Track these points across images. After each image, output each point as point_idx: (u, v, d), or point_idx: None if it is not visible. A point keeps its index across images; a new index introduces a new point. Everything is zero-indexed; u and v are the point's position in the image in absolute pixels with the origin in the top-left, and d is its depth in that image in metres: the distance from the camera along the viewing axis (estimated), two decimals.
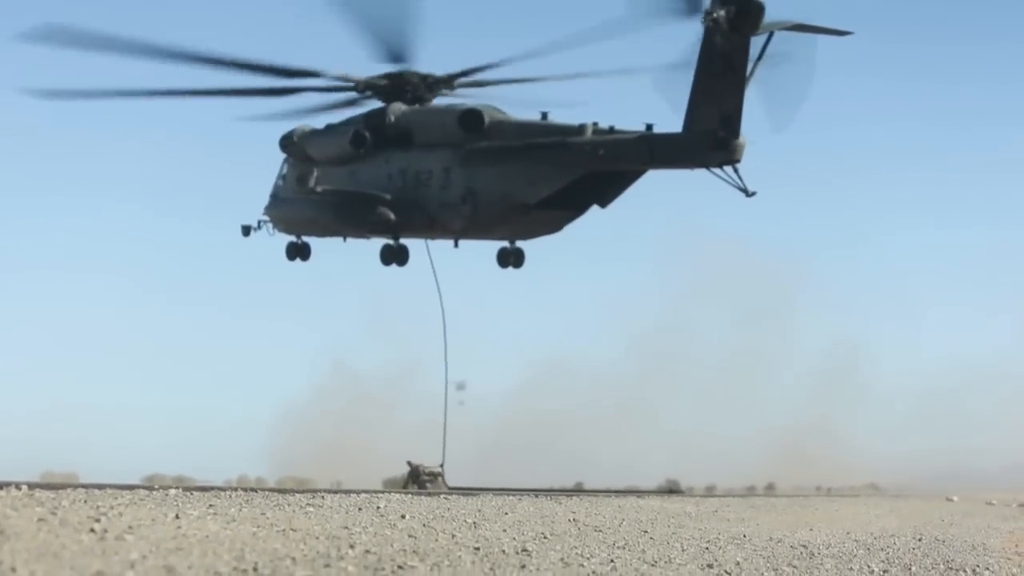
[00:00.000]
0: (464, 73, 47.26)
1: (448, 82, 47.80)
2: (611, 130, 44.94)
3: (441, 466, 55.64)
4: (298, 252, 50.65)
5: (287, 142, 50.02)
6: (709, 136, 42.12)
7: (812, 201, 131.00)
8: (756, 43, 41.85)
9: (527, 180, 45.74)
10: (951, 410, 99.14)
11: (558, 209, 46.10)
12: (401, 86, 47.84)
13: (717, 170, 43.09)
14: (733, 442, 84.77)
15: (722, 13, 40.50)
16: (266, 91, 46.98)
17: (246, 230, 50.83)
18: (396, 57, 46.47)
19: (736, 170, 42.90)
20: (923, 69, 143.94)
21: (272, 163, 51.10)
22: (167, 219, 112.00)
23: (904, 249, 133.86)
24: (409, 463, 57.52)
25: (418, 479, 60.91)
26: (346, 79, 47.31)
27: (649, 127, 44.00)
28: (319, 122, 49.44)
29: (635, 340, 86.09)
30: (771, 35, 41.85)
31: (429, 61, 47.86)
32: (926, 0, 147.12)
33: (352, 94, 48.17)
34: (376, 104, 48.50)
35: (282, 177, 50.52)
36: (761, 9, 40.65)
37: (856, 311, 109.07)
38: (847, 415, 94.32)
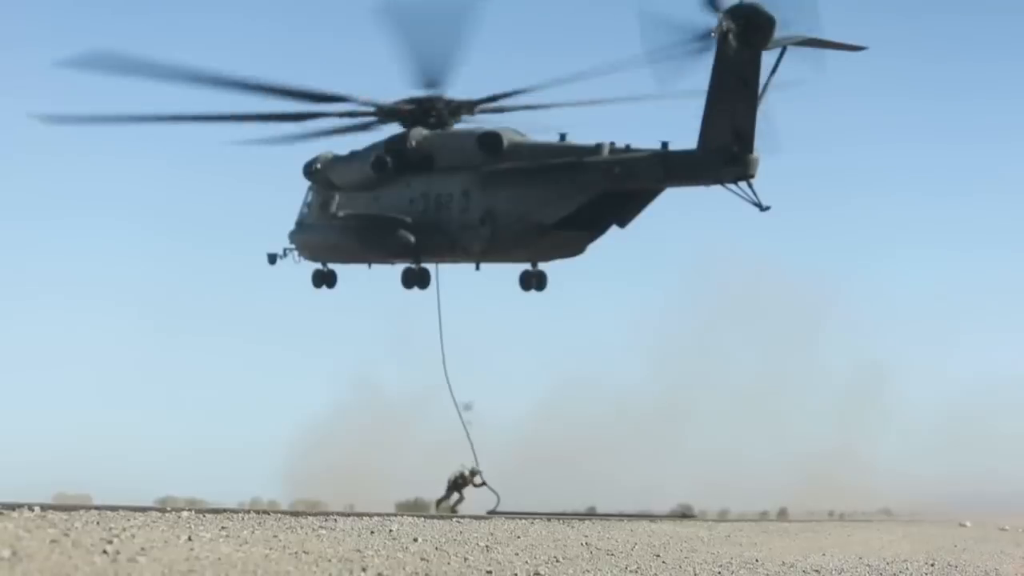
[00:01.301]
0: (488, 100, 47.34)
1: (470, 108, 47.89)
2: (627, 149, 44.99)
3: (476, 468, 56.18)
4: (324, 280, 50.79)
5: (310, 169, 50.25)
6: (723, 152, 42.13)
7: (838, 221, 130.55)
8: (770, 59, 41.88)
9: (544, 201, 45.73)
10: (975, 434, 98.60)
11: (576, 230, 46.08)
12: (426, 111, 47.96)
13: (732, 186, 43.07)
14: (750, 466, 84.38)
15: (732, 27, 40.53)
16: (288, 116, 47.15)
17: (272, 258, 50.97)
18: (431, 83, 46.59)
19: (751, 185, 42.86)
20: (953, 87, 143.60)
21: (298, 189, 51.38)
22: (181, 242, 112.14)
23: (931, 271, 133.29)
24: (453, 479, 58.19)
25: (463, 485, 61.49)
26: (372, 104, 47.47)
27: (664, 145, 44.03)
28: (340, 147, 49.68)
29: (655, 362, 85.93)
30: (784, 50, 41.83)
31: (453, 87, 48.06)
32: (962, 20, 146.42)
33: (373, 119, 48.32)
34: (397, 129, 48.67)
35: (307, 204, 50.72)
36: (772, 22, 40.60)
37: (882, 333, 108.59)
38: (868, 440, 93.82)
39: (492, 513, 48.59)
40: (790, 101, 42.67)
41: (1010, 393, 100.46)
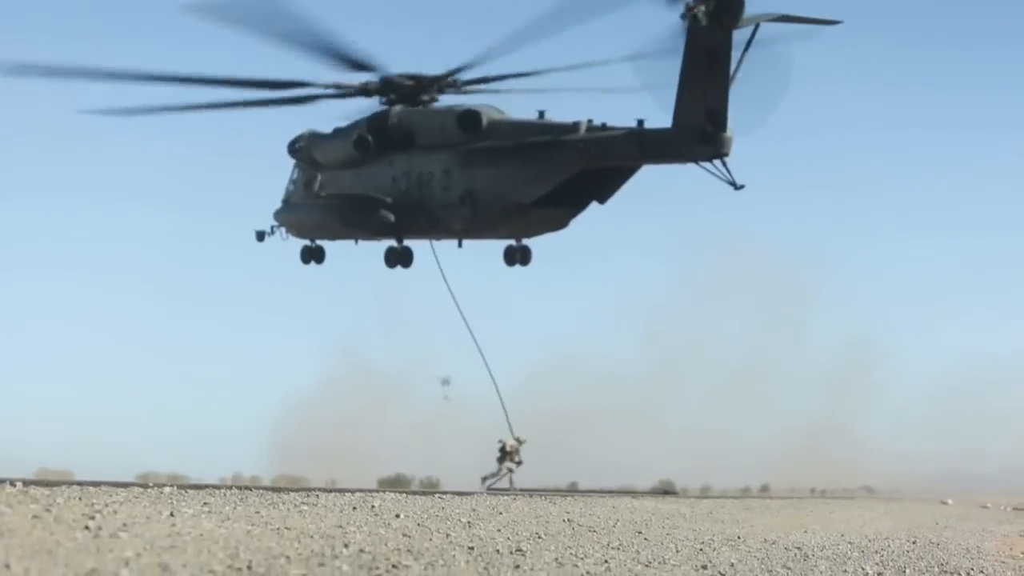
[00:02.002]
0: (454, 72, 47.13)
1: (441, 81, 47.69)
2: (603, 127, 44.99)
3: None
4: (313, 256, 50.78)
5: (294, 147, 50.21)
6: (697, 131, 42.17)
7: (833, 202, 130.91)
8: (743, 37, 41.80)
9: (523, 179, 45.74)
10: (959, 414, 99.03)
11: (556, 207, 46.11)
12: (397, 89, 47.87)
13: (707, 164, 43.10)
14: (733, 443, 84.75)
15: (702, 7, 40.46)
16: (282, 100, 47.07)
17: (260, 235, 50.96)
18: (361, 66, 46.29)
19: (724, 163, 42.91)
20: (957, 75, 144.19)
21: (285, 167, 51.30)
22: (165, 218, 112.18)
23: (921, 253, 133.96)
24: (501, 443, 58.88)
25: (512, 455, 62.35)
26: (338, 87, 47.27)
27: (640, 123, 44.05)
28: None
29: (639, 339, 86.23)
30: (756, 27, 41.82)
31: (428, 63, 47.86)
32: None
33: (360, 98, 48.20)
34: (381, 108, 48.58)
35: (292, 182, 50.67)
36: (740, 2, 40.54)
37: (870, 313, 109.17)
38: (853, 418, 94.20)
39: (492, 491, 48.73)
40: (795, 85, 42.58)
41: (995, 373, 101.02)
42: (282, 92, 46.54)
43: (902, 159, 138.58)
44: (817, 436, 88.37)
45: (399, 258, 49.03)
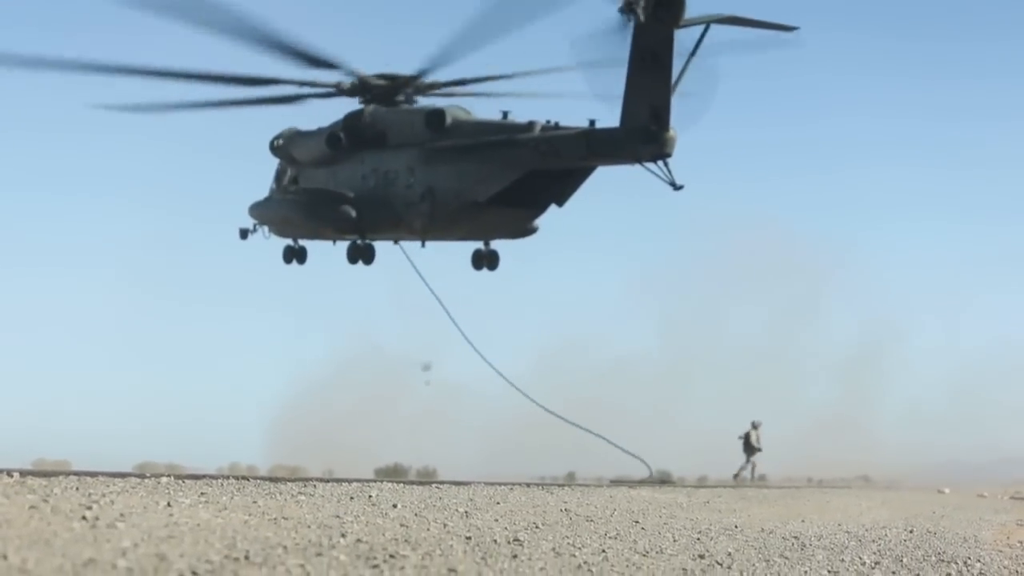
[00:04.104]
0: (427, 72, 47.20)
1: (415, 81, 47.80)
2: (557, 127, 44.99)
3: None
4: (295, 255, 51.11)
5: (274, 145, 50.55)
6: (641, 131, 42.06)
7: (851, 188, 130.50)
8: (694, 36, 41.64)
9: (477, 178, 46.03)
10: (978, 404, 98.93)
11: (510, 207, 46.21)
12: (372, 88, 48.03)
13: (650, 164, 42.95)
14: (730, 433, 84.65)
15: (640, 4, 40.32)
16: (260, 100, 47.12)
17: (243, 233, 51.38)
18: (327, 64, 46.25)
19: (666, 164, 42.79)
20: (966, 66, 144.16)
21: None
22: (156, 212, 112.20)
23: (933, 241, 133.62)
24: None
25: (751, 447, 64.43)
26: (313, 85, 47.32)
27: (592, 123, 44.01)
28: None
29: (640, 328, 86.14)
30: (707, 28, 41.76)
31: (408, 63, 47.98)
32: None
33: (342, 98, 48.30)
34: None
35: (274, 179, 50.96)
36: (681, 1, 40.33)
37: (890, 300, 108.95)
38: (865, 408, 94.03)
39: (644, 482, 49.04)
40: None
41: (996, 363, 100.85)
42: (257, 90, 46.55)
43: (921, 144, 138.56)
44: (826, 427, 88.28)
45: (360, 254, 49.37)
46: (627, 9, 40.39)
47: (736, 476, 72.73)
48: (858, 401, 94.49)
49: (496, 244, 48.34)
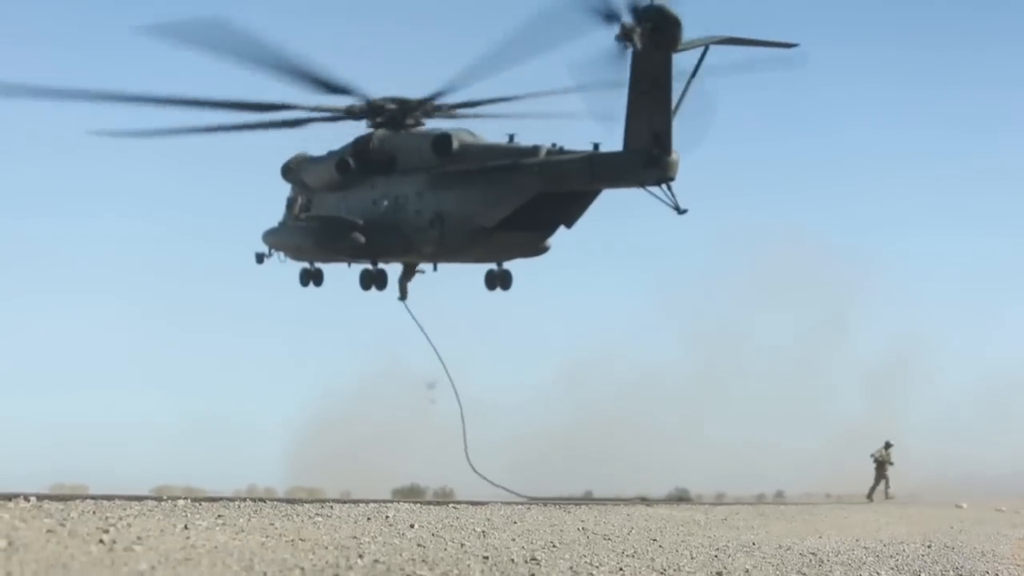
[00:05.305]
0: (436, 95, 47.14)
1: (425, 105, 47.78)
2: (562, 151, 44.94)
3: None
4: (311, 278, 51.05)
5: (286, 170, 50.63)
6: (643, 154, 41.94)
7: (880, 200, 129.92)
8: (694, 58, 41.54)
9: (484, 203, 45.89)
10: (982, 418, 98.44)
11: (519, 231, 46.11)
12: (382, 112, 48.05)
13: (654, 188, 42.82)
14: (748, 450, 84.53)
15: (637, 30, 40.19)
16: (271, 124, 47.12)
17: (259, 257, 51.33)
18: (340, 90, 46.26)
19: (669, 188, 42.64)
20: (993, 76, 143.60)
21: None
22: (171, 233, 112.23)
23: (962, 252, 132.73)
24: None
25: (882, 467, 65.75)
26: (324, 110, 47.32)
27: (596, 147, 43.95)
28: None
29: (657, 344, 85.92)
30: (706, 50, 41.69)
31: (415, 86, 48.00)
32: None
33: (352, 122, 48.34)
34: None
35: (287, 205, 51.06)
36: (677, 24, 40.07)
37: (918, 314, 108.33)
38: (887, 423, 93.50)
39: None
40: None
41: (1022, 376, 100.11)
42: (268, 115, 46.52)
43: (950, 156, 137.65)
44: (852, 441, 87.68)
45: (373, 280, 49.33)
46: (624, 37, 40.37)
47: (869, 496, 74.38)
48: (884, 415, 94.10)
49: (514, 262, 48.46)
